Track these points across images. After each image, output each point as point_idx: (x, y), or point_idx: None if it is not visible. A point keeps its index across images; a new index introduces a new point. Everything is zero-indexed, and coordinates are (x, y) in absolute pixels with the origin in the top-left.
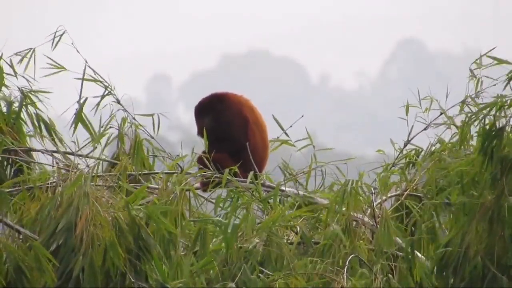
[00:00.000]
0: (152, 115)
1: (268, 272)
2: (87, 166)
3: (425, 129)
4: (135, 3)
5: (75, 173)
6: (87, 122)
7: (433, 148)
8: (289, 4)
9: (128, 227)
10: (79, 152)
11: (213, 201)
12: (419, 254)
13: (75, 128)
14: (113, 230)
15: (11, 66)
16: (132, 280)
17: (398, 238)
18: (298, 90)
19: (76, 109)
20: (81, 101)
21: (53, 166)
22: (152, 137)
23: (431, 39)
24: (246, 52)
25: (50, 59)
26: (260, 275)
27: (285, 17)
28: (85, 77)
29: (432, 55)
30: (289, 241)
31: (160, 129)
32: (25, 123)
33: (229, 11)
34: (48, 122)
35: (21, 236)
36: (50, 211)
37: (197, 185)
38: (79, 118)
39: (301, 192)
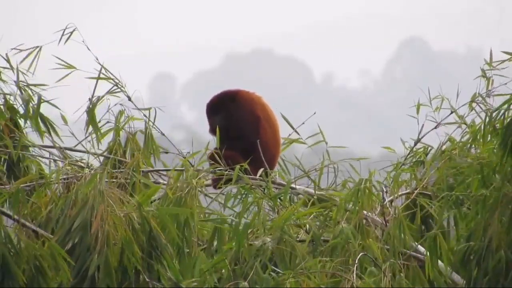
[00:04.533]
0: (149, 108)
1: (279, 270)
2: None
3: (435, 127)
4: (138, 2)
5: (90, 171)
6: (96, 121)
7: (443, 146)
8: (293, 3)
9: (140, 226)
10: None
11: (221, 200)
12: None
13: (87, 127)
14: (128, 229)
15: (7, 61)
16: (147, 279)
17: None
18: (302, 90)
19: (88, 107)
20: (94, 100)
21: (62, 162)
22: (163, 134)
23: (435, 39)
24: (250, 52)
25: (60, 59)
26: (272, 273)
27: (289, 17)
28: (94, 74)
29: (436, 55)
30: (298, 239)
31: (163, 128)
32: (22, 119)
33: (233, 10)
34: (50, 119)
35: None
36: (65, 209)
37: (209, 181)
38: (92, 119)
39: (312, 190)
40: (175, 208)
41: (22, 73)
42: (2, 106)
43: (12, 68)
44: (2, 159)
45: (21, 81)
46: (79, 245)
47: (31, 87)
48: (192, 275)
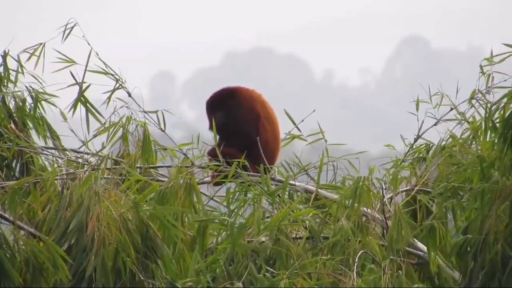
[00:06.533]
0: (156, 111)
1: (273, 271)
2: (96, 163)
3: (435, 124)
4: (138, 1)
5: (84, 172)
6: (92, 109)
7: (444, 143)
8: (293, 2)
9: (135, 226)
10: (81, 148)
11: (221, 197)
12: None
13: (74, 109)
14: (123, 230)
15: (18, 61)
16: (142, 278)
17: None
18: (302, 88)
19: (79, 93)
20: (84, 86)
21: (62, 160)
22: (164, 131)
23: (435, 37)
24: (250, 50)
25: (60, 53)
26: (267, 274)
27: (289, 15)
28: (96, 71)
29: (436, 52)
30: (298, 236)
31: (164, 126)
32: (28, 122)
33: (233, 9)
34: (50, 124)
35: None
36: (60, 211)
37: (208, 178)
38: (79, 100)
39: (311, 187)
40: (174, 207)
41: (34, 77)
42: (12, 107)
43: (23, 72)
44: (14, 160)
45: (31, 83)
46: (75, 246)
47: (43, 94)
48: (186, 275)
